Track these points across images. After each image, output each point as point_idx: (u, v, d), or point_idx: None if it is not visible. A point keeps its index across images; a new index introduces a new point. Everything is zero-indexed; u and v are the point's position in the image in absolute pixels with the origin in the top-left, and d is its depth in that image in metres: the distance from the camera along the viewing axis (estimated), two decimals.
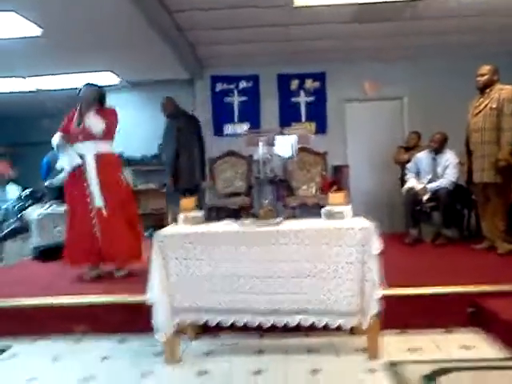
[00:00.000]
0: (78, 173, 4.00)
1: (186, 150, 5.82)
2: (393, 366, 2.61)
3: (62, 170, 4.47)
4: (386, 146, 6.95)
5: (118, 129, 4.21)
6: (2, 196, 6.53)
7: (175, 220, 3.24)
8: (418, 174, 5.44)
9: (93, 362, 2.90)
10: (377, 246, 2.66)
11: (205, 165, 6.31)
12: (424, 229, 5.45)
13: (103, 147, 4.05)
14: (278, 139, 6.63)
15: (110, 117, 4.11)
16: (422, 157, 5.42)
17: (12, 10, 4.47)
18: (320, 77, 7.37)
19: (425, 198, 5.20)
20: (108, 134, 4.07)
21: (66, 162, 4.09)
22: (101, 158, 4.02)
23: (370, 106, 7.38)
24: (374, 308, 2.64)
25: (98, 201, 3.97)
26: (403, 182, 5.68)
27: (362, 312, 2.69)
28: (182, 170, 5.80)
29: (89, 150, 4.00)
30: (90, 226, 3.98)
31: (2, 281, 4.36)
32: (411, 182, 5.39)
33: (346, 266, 2.67)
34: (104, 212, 3.96)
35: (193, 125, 6.08)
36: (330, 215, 2.93)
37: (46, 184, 6.08)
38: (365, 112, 7.38)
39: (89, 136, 3.99)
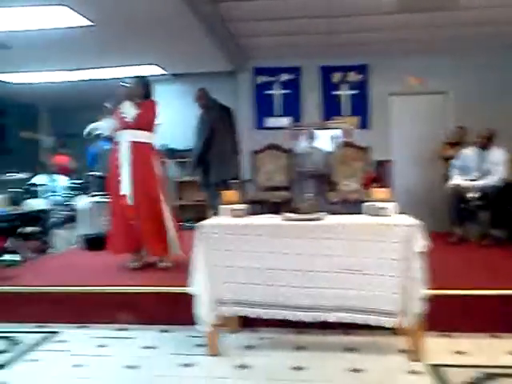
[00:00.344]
0: (117, 162, 4.09)
1: (219, 143, 5.77)
2: (436, 369, 2.57)
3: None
4: (430, 141, 6.82)
5: (157, 121, 4.24)
6: (52, 186, 6.74)
7: (215, 213, 3.28)
8: (463, 171, 5.30)
9: (136, 351, 2.98)
10: (422, 243, 2.62)
11: (238, 156, 6.26)
12: (469, 228, 5.30)
13: (138, 137, 4.09)
14: (320, 133, 6.59)
15: (145, 107, 4.16)
16: (468, 153, 5.29)
17: (64, 5, 4.60)
18: (363, 69, 7.28)
19: (471, 195, 5.06)
20: (143, 124, 4.11)
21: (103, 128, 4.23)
22: (134, 148, 4.07)
23: (414, 100, 7.24)
24: (418, 308, 2.60)
25: (125, 188, 4.02)
26: (447, 178, 5.54)
27: (405, 311, 2.65)
28: (213, 163, 5.78)
29: (124, 139, 4.07)
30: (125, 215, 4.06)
31: (50, 268, 4.54)
32: (456, 179, 5.26)
33: (390, 263, 2.65)
34: (128, 200, 4.01)
35: (227, 116, 6.04)
36: (374, 211, 2.90)
37: (91, 174, 6.27)
38: (409, 106, 7.25)
39: (125, 124, 4.07)
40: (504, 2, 5.17)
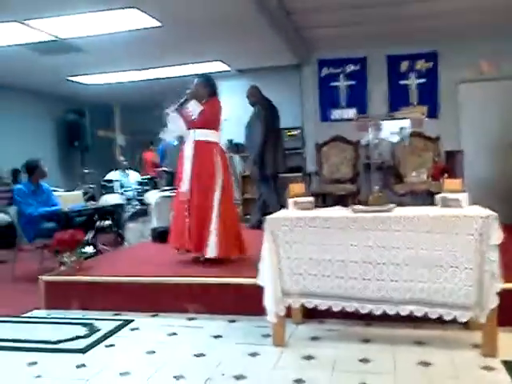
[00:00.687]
0: (182, 160, 4.23)
1: (272, 138, 5.95)
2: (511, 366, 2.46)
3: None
4: (504, 131, 6.47)
5: (222, 119, 4.33)
6: (125, 181, 7.07)
7: (281, 206, 3.30)
8: None
9: (204, 340, 3.07)
10: (497, 235, 2.53)
11: (285, 152, 6.45)
12: None
13: (203, 136, 4.18)
14: (388, 124, 6.45)
15: (210, 106, 4.24)
16: None
17: (134, 7, 4.80)
18: (432, 57, 7.04)
19: None
20: (208, 123, 4.18)
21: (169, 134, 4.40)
22: (198, 146, 4.17)
23: (486, 87, 6.88)
24: (493, 302, 2.51)
25: (185, 186, 4.14)
26: None
27: (480, 305, 2.57)
28: (268, 157, 5.94)
29: (190, 137, 4.20)
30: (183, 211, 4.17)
31: (124, 260, 4.78)
32: None
33: (464, 256, 2.58)
34: (184, 198, 4.12)
35: (275, 113, 6.18)
36: (446, 202, 2.83)
37: (161, 169, 6.51)
38: (480, 93, 6.91)
39: (190, 123, 4.18)
40: None
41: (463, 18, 5.94)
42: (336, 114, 7.37)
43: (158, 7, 4.92)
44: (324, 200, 6.01)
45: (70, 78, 7.78)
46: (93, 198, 6.30)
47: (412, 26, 6.23)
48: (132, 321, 3.47)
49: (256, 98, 6.03)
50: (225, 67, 7.52)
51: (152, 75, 7.77)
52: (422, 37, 6.66)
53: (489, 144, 6.79)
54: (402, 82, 7.17)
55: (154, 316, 3.57)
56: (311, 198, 3.18)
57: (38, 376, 2.61)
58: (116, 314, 3.63)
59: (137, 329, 3.34)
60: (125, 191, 6.71)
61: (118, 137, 9.24)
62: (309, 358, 2.71)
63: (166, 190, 5.87)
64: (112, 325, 3.38)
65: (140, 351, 2.92)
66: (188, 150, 4.18)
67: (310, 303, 2.88)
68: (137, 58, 6.82)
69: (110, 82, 8.04)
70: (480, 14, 5.83)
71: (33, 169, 5.20)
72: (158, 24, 5.35)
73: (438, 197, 2.92)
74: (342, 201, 5.53)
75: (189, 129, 4.21)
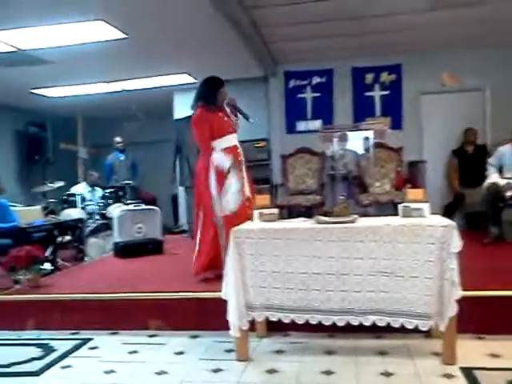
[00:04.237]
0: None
1: None
2: (469, 373, 2.50)
3: None
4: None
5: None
6: (92, 196, 6.94)
7: None
8: (500, 169, 5.14)
9: (166, 357, 3.00)
10: (457, 244, 2.57)
11: None
12: (506, 228, 5.14)
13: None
14: (353, 135, 6.51)
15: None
16: (506, 151, 5.13)
17: (100, 19, 4.75)
18: (396, 69, 7.18)
19: (508, 194, 4.91)
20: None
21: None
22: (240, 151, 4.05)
23: (449, 99, 7.06)
24: (453, 309, 2.54)
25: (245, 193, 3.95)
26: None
27: (440, 313, 2.60)
28: None
29: (234, 142, 4.03)
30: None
31: (84, 276, 4.64)
32: (493, 178, 5.11)
33: (425, 265, 2.61)
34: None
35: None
36: (408, 212, 2.86)
37: (125, 183, 6.41)
38: (443, 105, 7.08)
39: (233, 128, 4.05)
40: None
41: (426, 31, 6.08)
42: (302, 125, 7.41)
43: (124, 19, 4.87)
44: (290, 211, 6.02)
45: (34, 91, 7.62)
46: (53, 213, 6.14)
47: (376, 39, 6.35)
48: (90, 339, 3.36)
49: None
50: (191, 79, 7.49)
51: (118, 88, 7.68)
52: (386, 50, 6.80)
53: (450, 155, 6.93)
54: (366, 94, 7.28)
55: (113, 334, 3.47)
56: (276, 210, 3.17)
57: None
58: (74, 333, 3.50)
59: (95, 348, 3.24)
60: (86, 205, 6.57)
61: (80, 150, 9.08)
62: (272, 371, 2.69)
63: (129, 204, 5.76)
64: (69, 344, 3.27)
65: (98, 371, 2.82)
66: (236, 155, 3.96)
67: (274, 316, 2.85)
68: (102, 71, 6.73)
69: (75, 95, 7.92)
70: (442, 28, 5.98)
71: None
72: (124, 36, 5.29)
73: (400, 207, 2.94)
74: (308, 212, 5.54)
75: (230, 134, 3.99)
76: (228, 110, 4.07)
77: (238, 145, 4.04)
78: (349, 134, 6.40)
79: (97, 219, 6.35)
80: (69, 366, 2.93)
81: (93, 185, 7.14)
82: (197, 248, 3.97)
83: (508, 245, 4.94)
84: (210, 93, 3.95)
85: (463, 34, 6.18)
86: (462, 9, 5.33)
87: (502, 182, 5.01)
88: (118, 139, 7.78)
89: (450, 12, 5.40)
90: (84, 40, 5.30)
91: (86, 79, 7.13)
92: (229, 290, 2.81)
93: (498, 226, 5.04)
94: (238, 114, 4.12)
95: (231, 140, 3.96)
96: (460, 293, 2.55)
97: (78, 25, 4.84)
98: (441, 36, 6.28)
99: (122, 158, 7.77)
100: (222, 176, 3.84)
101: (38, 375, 2.81)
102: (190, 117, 4.00)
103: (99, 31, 5.06)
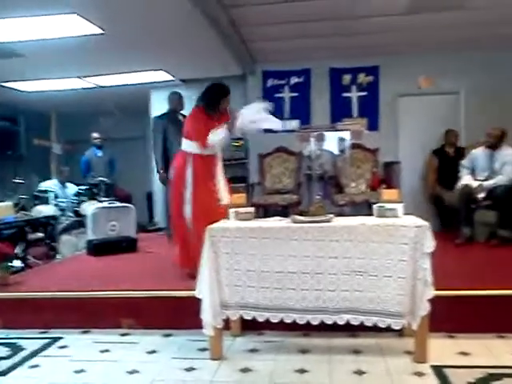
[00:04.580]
0: None
1: None
2: (440, 370, 2.54)
3: None
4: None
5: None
6: (61, 192, 6.81)
7: None
8: (473, 171, 5.23)
9: (139, 356, 2.97)
10: (430, 244, 2.61)
11: None
12: (478, 228, 5.23)
13: None
14: (330, 135, 6.55)
15: None
16: (478, 153, 5.22)
17: (74, 13, 4.65)
18: (373, 71, 7.22)
19: (480, 195, 5.00)
20: None
21: None
22: None
23: (425, 101, 7.15)
24: (425, 309, 2.58)
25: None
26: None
27: (413, 312, 2.63)
28: None
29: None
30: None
31: (55, 274, 4.55)
32: (466, 179, 5.20)
33: (398, 264, 2.64)
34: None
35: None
36: (382, 212, 2.88)
37: (100, 179, 6.31)
38: (419, 107, 7.16)
39: None
40: (508, 3, 5.08)
41: (403, 34, 6.14)
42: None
43: (100, 14, 4.78)
44: (266, 211, 6.02)
45: (5, 84, 7.44)
46: (24, 209, 6.00)
47: (354, 41, 6.38)
48: (61, 338, 3.30)
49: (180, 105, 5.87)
50: (169, 77, 7.43)
51: (93, 83, 7.56)
52: (364, 51, 6.84)
53: (425, 156, 7.02)
54: (344, 95, 7.32)
55: (85, 333, 3.41)
56: (252, 209, 3.17)
57: None
58: (43, 332, 3.43)
59: (65, 347, 3.18)
60: (59, 202, 6.44)
61: (54, 145, 8.90)
62: (246, 370, 2.68)
63: (103, 201, 5.67)
64: (38, 344, 3.20)
65: (68, 370, 2.77)
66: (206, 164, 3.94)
67: (249, 315, 2.85)
68: (78, 66, 6.61)
69: (49, 90, 7.76)
70: (419, 31, 6.05)
71: None
72: (100, 31, 5.20)
73: (375, 207, 2.96)
74: (284, 211, 5.55)
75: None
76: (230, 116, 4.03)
77: (218, 155, 4.00)
78: (326, 134, 6.47)
79: (70, 216, 6.23)
80: (37, 366, 2.87)
81: (64, 181, 7.02)
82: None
83: (479, 245, 5.03)
84: (214, 99, 3.91)
85: (439, 37, 6.27)
86: (438, 13, 5.40)
87: (475, 183, 5.10)
88: (95, 135, 7.64)
89: (426, 16, 5.47)
90: (58, 34, 5.18)
91: (59, 74, 6.99)
92: (203, 289, 2.80)
93: (470, 226, 5.12)
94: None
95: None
96: (432, 292, 2.59)
97: (51, 18, 4.73)
98: (417, 39, 6.36)
99: (100, 154, 7.64)
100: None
101: (4, 375, 2.75)
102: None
103: (73, 25, 4.96)
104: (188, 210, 3.82)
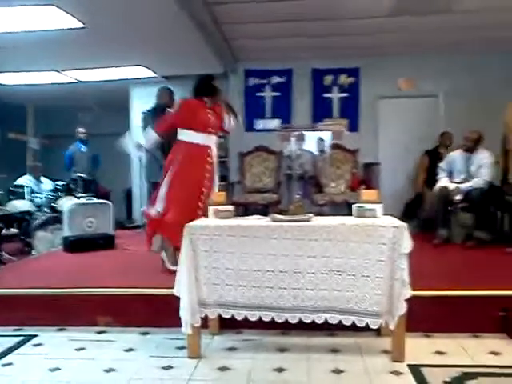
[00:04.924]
0: None
1: None
2: (417, 369, 2.56)
3: None
4: (418, 145, 6.81)
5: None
6: (37, 188, 6.69)
7: None
8: (450, 174, 5.31)
9: (115, 354, 2.92)
10: (407, 244, 2.63)
11: None
12: (454, 230, 5.31)
13: None
14: (310, 135, 6.59)
15: None
16: (456, 156, 5.30)
17: (53, 5, 4.56)
18: (354, 72, 7.29)
19: (457, 197, 5.08)
20: None
21: None
22: None
23: (404, 103, 7.25)
24: (402, 308, 2.60)
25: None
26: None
27: (390, 312, 2.65)
28: None
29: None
30: None
31: (31, 270, 4.46)
32: (443, 182, 5.27)
33: (376, 264, 2.66)
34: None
35: None
36: (361, 212, 2.90)
37: (77, 175, 6.22)
38: (398, 109, 7.25)
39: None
40: (494, 6, 5.17)
41: (384, 37, 6.20)
42: (260, 124, 7.42)
43: (80, 7, 4.71)
44: (246, 209, 6.01)
45: None
46: (0, 204, 5.87)
47: (337, 42, 6.44)
48: (35, 336, 3.23)
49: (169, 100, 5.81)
50: (150, 73, 7.36)
51: (73, 78, 7.44)
52: (345, 52, 6.90)
53: (404, 157, 7.11)
54: (325, 95, 7.36)
55: (60, 330, 3.35)
56: (231, 207, 3.16)
57: None
58: (17, 330, 3.36)
59: (40, 344, 3.11)
60: (35, 197, 6.32)
61: (30, 140, 8.75)
62: (224, 369, 2.67)
63: (81, 197, 5.59)
64: (12, 341, 3.12)
65: (42, 368, 2.71)
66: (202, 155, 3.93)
67: (227, 313, 2.84)
68: (57, 59, 6.51)
69: (26, 83, 7.61)
70: (399, 34, 6.13)
71: None
72: (81, 25, 5.12)
73: (354, 207, 2.98)
74: (264, 210, 5.55)
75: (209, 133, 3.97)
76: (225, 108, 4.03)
77: (213, 147, 3.98)
78: (306, 134, 6.50)
79: (46, 212, 6.12)
80: (10, 364, 2.80)
81: (38, 176, 6.89)
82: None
83: (456, 246, 5.10)
84: (207, 84, 3.95)
85: (419, 40, 6.36)
86: (419, 17, 5.47)
87: (452, 186, 5.17)
88: (81, 129, 7.52)
89: (409, 18, 5.53)
90: (36, 26, 5.08)
91: (37, 67, 6.87)
92: (181, 287, 2.78)
93: (447, 228, 5.20)
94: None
95: (206, 139, 3.90)
96: (409, 292, 2.61)
97: (28, 9, 4.63)
98: (398, 42, 6.43)
99: (84, 149, 7.53)
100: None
101: None
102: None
103: (52, 17, 4.86)
104: (162, 192, 3.83)
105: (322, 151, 6.21)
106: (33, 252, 5.51)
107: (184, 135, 3.87)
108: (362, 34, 6.09)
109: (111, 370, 2.69)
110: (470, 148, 5.15)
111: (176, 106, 4.07)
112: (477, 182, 5.03)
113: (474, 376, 2.47)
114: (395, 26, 5.77)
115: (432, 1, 5.01)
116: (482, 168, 5.04)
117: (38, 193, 6.48)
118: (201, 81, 4.00)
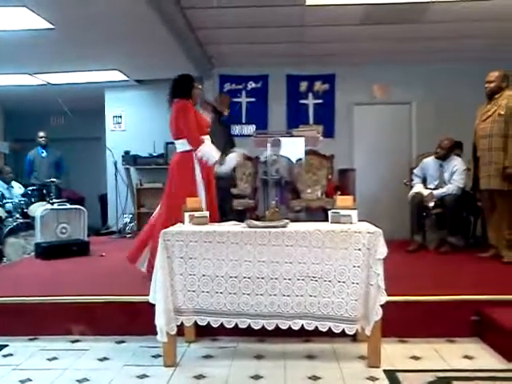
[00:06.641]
0: None
1: None
2: (392, 375, 2.59)
3: None
4: (392, 151, 6.90)
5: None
6: (8, 193, 6.53)
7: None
8: (424, 180, 5.39)
9: (89, 363, 2.88)
10: (383, 250, 2.66)
11: None
12: (429, 236, 5.40)
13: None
14: (286, 141, 6.59)
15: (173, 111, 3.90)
16: (429, 162, 5.38)
17: (23, 6, 4.47)
18: (329, 79, 7.33)
19: (431, 204, 5.16)
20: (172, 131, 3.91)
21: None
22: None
23: (379, 110, 7.32)
24: (378, 314, 2.62)
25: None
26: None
27: (366, 318, 2.68)
28: None
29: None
30: None
31: (2, 278, 4.35)
32: (417, 188, 5.35)
33: (352, 270, 2.68)
34: None
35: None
36: (337, 218, 2.91)
37: (49, 180, 6.11)
38: (373, 116, 7.32)
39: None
40: (466, 17, 5.28)
41: (359, 44, 6.27)
42: (236, 129, 7.40)
43: (50, 8, 4.61)
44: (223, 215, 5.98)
45: None
46: None
47: (312, 49, 6.47)
48: (5, 346, 3.16)
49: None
50: (123, 77, 7.28)
51: (44, 80, 7.30)
52: (320, 59, 6.94)
53: (379, 163, 7.19)
54: (300, 102, 7.39)
55: (32, 340, 3.28)
56: (207, 213, 3.16)
57: None
58: None
59: (10, 355, 3.04)
60: (6, 203, 6.17)
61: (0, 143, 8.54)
62: (200, 377, 2.65)
63: (53, 203, 5.48)
64: None
65: (12, 380, 2.65)
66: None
67: (203, 320, 2.82)
68: (27, 61, 6.36)
69: None
70: (372, 42, 6.20)
71: None
72: (50, 26, 5.03)
73: (330, 213, 3.00)
74: (241, 216, 5.54)
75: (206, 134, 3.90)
76: (202, 109, 3.97)
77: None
78: (283, 140, 6.51)
79: (17, 218, 5.98)
80: None
81: (8, 181, 6.74)
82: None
83: (430, 252, 5.18)
84: (185, 89, 3.85)
85: (392, 48, 6.45)
86: (390, 26, 5.55)
87: (425, 192, 5.25)
88: (41, 134, 7.36)
89: (381, 27, 5.61)
90: (5, 26, 4.96)
91: (7, 69, 6.71)
92: (157, 294, 2.75)
93: (421, 234, 5.28)
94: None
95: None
96: (385, 298, 2.64)
97: None
98: (372, 49, 6.50)
99: (44, 154, 7.36)
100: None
101: None
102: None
103: (22, 18, 4.76)
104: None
105: (298, 157, 6.23)
106: (4, 259, 5.39)
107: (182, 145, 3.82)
108: (336, 41, 6.14)
109: (85, 380, 2.64)
110: (442, 155, 5.24)
111: (180, 112, 3.79)
112: (450, 189, 5.12)
113: (449, 380, 2.51)
114: (368, 34, 5.84)
115: (400, 12, 5.09)
116: (455, 175, 5.14)
117: (8, 198, 6.33)
118: (182, 81, 3.90)
